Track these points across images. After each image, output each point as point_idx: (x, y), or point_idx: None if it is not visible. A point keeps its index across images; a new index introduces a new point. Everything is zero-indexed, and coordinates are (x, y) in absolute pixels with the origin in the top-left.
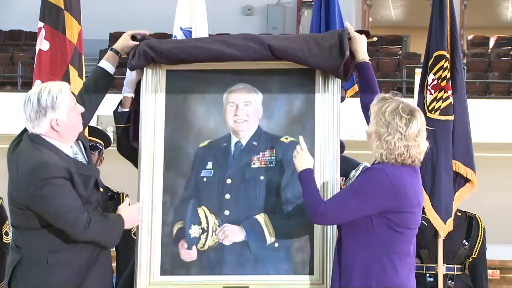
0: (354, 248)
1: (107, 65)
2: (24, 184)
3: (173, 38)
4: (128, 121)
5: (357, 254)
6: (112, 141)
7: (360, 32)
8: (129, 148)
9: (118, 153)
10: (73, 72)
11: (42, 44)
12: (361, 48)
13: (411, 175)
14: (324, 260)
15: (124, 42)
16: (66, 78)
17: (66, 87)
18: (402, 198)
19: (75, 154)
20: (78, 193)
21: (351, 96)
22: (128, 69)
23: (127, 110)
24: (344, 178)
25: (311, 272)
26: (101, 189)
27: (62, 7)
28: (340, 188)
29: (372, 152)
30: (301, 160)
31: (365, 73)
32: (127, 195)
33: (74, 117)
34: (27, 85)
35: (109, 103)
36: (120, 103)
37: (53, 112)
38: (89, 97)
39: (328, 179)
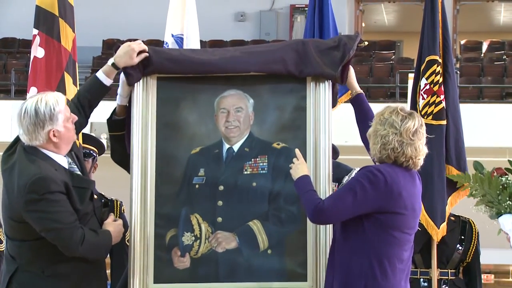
0: (346, 253)
1: (104, 77)
2: (21, 198)
3: (164, 45)
4: (122, 129)
5: (349, 260)
6: (105, 148)
7: (350, 36)
8: (123, 155)
9: (112, 160)
10: (68, 79)
11: (37, 51)
12: (354, 79)
13: (406, 177)
14: (317, 267)
15: (127, 60)
16: (62, 85)
17: (61, 98)
18: (394, 197)
19: (70, 164)
20: (74, 206)
21: (345, 102)
22: (121, 77)
23: (121, 118)
24: (336, 184)
25: (304, 279)
26: (95, 196)
27: (57, 14)
28: None
29: (370, 154)
30: (297, 168)
31: (363, 104)
32: (121, 202)
33: (70, 127)
34: (20, 93)
35: (103, 110)
36: (114, 111)
37: (51, 124)
38: (83, 106)
39: (321, 184)
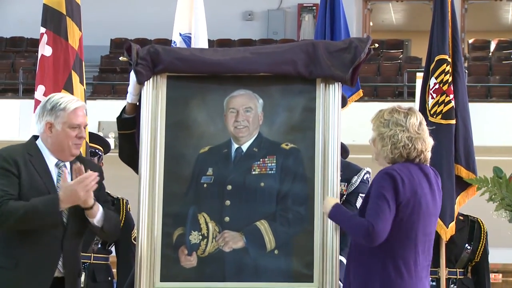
0: (363, 254)
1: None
2: None
3: (172, 44)
4: (132, 127)
5: (365, 263)
6: (111, 147)
7: (361, 39)
8: (131, 154)
9: (119, 159)
10: (75, 77)
11: (45, 50)
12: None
13: (419, 175)
14: (323, 268)
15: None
16: (69, 84)
17: (76, 104)
18: (411, 196)
19: (60, 169)
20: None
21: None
22: (131, 75)
23: (131, 116)
24: (346, 184)
25: (310, 280)
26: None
27: (64, 13)
28: (341, 194)
29: (378, 159)
30: (327, 202)
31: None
32: (127, 201)
33: (69, 135)
34: (28, 92)
35: (111, 109)
36: (124, 109)
37: (50, 116)
38: None
39: (329, 185)
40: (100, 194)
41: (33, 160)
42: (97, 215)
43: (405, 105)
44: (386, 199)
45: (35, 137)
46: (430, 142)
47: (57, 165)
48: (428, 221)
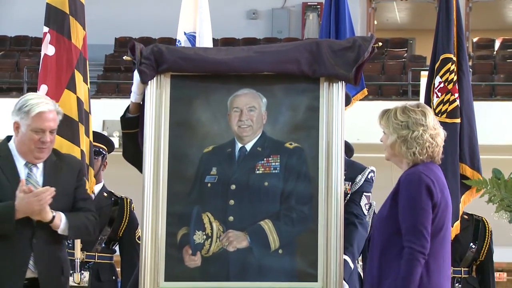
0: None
1: None
2: None
3: (177, 44)
4: (136, 127)
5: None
6: (115, 146)
7: (365, 38)
8: (135, 154)
9: (123, 158)
10: (78, 77)
11: (48, 49)
12: None
13: (439, 172)
14: (328, 267)
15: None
16: (72, 83)
17: (43, 107)
18: (439, 196)
19: (30, 169)
20: None
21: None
22: (135, 75)
23: (135, 115)
24: (350, 183)
25: (315, 279)
26: (105, 194)
27: (68, 12)
28: (345, 193)
29: (399, 161)
30: None
31: None
32: (131, 200)
33: (32, 138)
34: (33, 91)
35: (115, 108)
36: (128, 109)
37: (18, 115)
38: None
39: (333, 184)
40: (80, 192)
41: (1, 160)
42: (60, 225)
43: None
44: (424, 209)
45: (9, 138)
46: (443, 136)
47: (26, 165)
48: (450, 219)
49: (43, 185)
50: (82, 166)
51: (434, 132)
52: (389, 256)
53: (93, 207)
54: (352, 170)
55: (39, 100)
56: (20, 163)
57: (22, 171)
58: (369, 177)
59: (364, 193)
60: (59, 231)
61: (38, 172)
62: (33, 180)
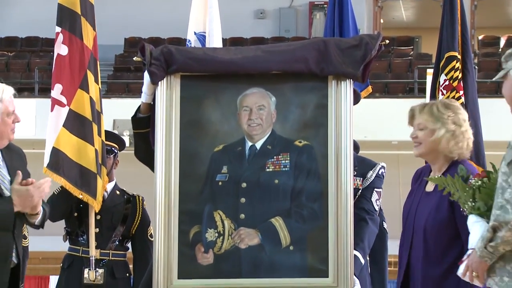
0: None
1: None
2: None
3: (187, 43)
4: (147, 126)
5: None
6: (126, 145)
7: (372, 36)
8: (147, 152)
9: (134, 156)
10: (90, 76)
11: (61, 49)
12: None
13: None
14: (338, 263)
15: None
16: (85, 82)
17: (9, 91)
18: None
19: None
20: None
21: (364, 98)
22: (145, 76)
23: (146, 115)
24: (362, 179)
25: (325, 275)
26: (118, 192)
27: (79, 12)
28: (357, 189)
29: (439, 155)
30: None
31: None
32: (143, 198)
33: (7, 122)
34: (44, 91)
35: (126, 108)
36: (138, 109)
37: None
38: None
39: (342, 181)
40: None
41: None
42: (40, 216)
43: (417, 101)
44: None
45: None
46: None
47: None
48: None
49: (10, 178)
50: (24, 154)
51: (470, 129)
52: (450, 259)
53: None
54: (363, 166)
55: (1, 86)
56: None
57: None
58: (379, 173)
59: (375, 189)
60: (36, 222)
61: (1, 162)
62: (1, 171)
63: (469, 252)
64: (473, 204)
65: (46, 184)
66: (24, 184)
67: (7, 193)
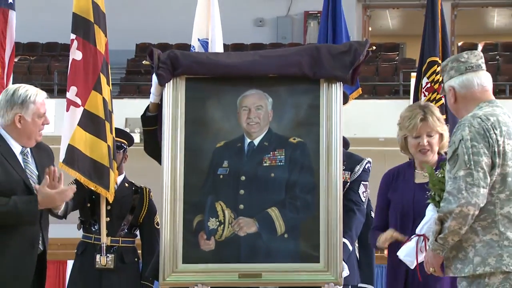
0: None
1: None
2: None
3: (191, 49)
4: (155, 124)
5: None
6: (134, 140)
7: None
8: (155, 148)
9: (143, 151)
10: (103, 79)
11: (76, 54)
12: None
13: None
14: (328, 250)
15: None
16: (98, 85)
17: (42, 95)
18: None
19: (25, 156)
20: None
21: (354, 98)
22: (154, 78)
23: (154, 114)
24: (350, 173)
25: (317, 260)
26: (127, 184)
27: (92, 21)
28: (345, 182)
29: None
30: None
31: None
32: (149, 189)
33: (37, 122)
34: (62, 92)
35: (137, 108)
36: (147, 108)
37: (21, 109)
38: None
39: (333, 175)
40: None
41: (1, 149)
42: (62, 208)
43: (402, 102)
44: None
45: None
46: None
47: (22, 152)
48: None
49: (38, 173)
50: (51, 150)
51: None
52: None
53: None
54: (351, 161)
55: (34, 90)
56: (16, 150)
57: (19, 157)
58: (366, 167)
59: (362, 182)
60: (60, 213)
61: (30, 159)
62: (30, 167)
63: (412, 236)
64: (432, 193)
65: (70, 190)
66: (53, 178)
67: (35, 186)
